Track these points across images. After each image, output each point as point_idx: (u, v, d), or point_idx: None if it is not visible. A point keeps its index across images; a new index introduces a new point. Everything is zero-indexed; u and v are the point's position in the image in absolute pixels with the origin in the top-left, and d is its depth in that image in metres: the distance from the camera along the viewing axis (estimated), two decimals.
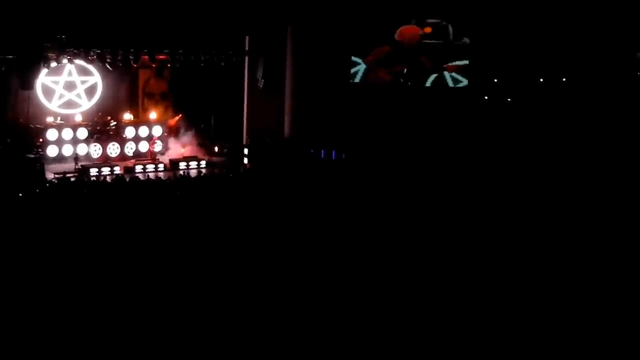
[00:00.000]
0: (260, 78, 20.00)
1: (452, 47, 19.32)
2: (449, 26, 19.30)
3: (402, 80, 19.51)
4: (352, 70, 19.83)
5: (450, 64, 19.23)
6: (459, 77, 19.57)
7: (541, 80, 18.97)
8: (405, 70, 19.46)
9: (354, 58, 19.78)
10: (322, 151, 19.12)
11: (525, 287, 9.01)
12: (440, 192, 14.41)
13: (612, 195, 13.90)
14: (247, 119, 20.59)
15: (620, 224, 11.83)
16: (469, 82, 19.46)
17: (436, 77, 19.55)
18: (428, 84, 19.63)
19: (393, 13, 19.10)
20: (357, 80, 19.81)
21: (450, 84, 19.60)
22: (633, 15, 17.69)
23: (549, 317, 8.31)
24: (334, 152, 19.05)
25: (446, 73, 19.56)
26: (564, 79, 18.93)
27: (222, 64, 19.58)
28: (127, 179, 16.60)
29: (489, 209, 12.98)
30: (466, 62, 19.45)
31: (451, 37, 19.32)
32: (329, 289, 8.97)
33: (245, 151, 19.84)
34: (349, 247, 10.72)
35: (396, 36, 19.43)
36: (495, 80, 19.31)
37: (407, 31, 19.35)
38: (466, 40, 19.27)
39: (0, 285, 8.94)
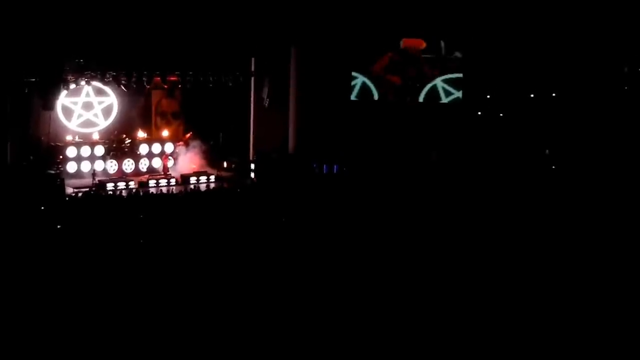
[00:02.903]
0: (265, 97, 20.38)
1: (444, 61, 19.86)
2: (441, 41, 19.82)
3: (410, 83, 19.97)
4: (352, 83, 20.54)
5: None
6: (451, 89, 20.02)
7: (532, 95, 19.26)
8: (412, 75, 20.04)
9: (353, 73, 20.38)
10: (325, 165, 19.50)
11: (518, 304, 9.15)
12: (438, 203, 14.65)
13: (604, 208, 14.03)
14: (253, 135, 20.96)
15: (609, 237, 11.93)
16: (463, 95, 19.75)
17: (429, 90, 20.09)
18: (421, 98, 20.15)
19: (390, 30, 19.52)
20: (354, 92, 20.30)
21: (443, 95, 20.00)
22: (620, 30, 17.90)
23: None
24: (335, 167, 19.46)
25: (439, 84, 20.02)
26: (553, 94, 19.26)
27: (230, 84, 20.03)
28: (141, 193, 17.01)
29: (488, 222, 13.19)
30: (460, 75, 19.87)
31: (443, 51, 19.79)
32: (331, 298, 9.12)
33: (252, 166, 20.13)
34: (349, 255, 10.94)
35: (401, 44, 19.80)
36: (488, 96, 19.60)
37: (412, 41, 19.81)
38: (457, 54, 19.69)
39: (24, 289, 9.31)
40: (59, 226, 12.82)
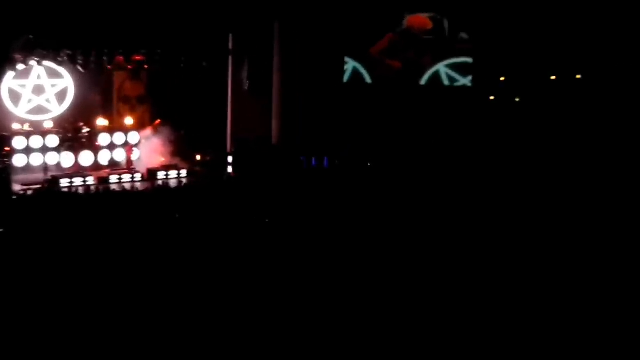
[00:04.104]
0: (245, 79, 20.07)
1: (448, 44, 19.67)
2: (444, 20, 19.67)
3: (412, 68, 19.95)
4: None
5: None
6: (456, 76, 19.81)
7: (553, 77, 19.06)
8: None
9: (346, 58, 20.19)
10: (313, 158, 19.30)
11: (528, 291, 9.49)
12: (444, 206, 14.47)
13: (627, 204, 14.03)
14: (231, 124, 20.58)
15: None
16: (473, 81, 19.71)
17: (431, 77, 19.95)
18: (423, 81, 19.92)
19: (388, 7, 19.48)
20: (345, 79, 20.11)
21: (446, 82, 19.84)
22: None
23: (548, 318, 8.75)
24: (325, 159, 19.26)
25: (442, 70, 19.87)
26: (578, 76, 19.02)
27: (204, 64, 19.58)
28: (102, 190, 16.66)
29: (495, 222, 13.09)
30: (466, 59, 19.70)
31: (447, 32, 19.69)
32: (319, 312, 9.07)
33: (230, 159, 19.82)
34: (340, 261, 10.77)
35: (405, 23, 19.74)
36: (502, 78, 19.51)
37: (417, 20, 19.73)
38: (464, 35, 19.63)
39: None
40: (1, 230, 12.51)
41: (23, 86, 18.89)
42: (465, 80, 19.77)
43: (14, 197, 15.79)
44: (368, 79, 20.10)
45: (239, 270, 10.34)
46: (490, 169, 17.33)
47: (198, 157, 20.20)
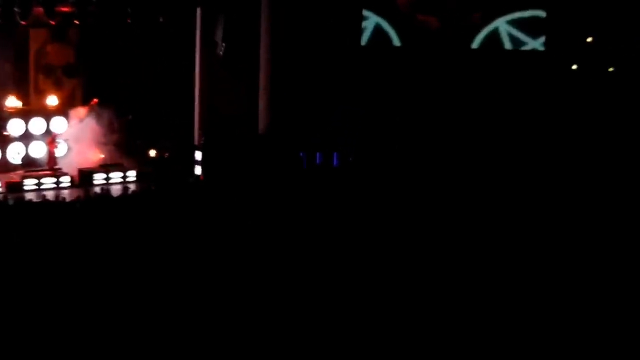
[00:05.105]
0: (220, 42, 19.48)
1: None
2: None
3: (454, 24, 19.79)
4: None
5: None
6: (522, 37, 19.46)
7: None
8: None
9: (364, 12, 19.83)
10: (318, 154, 18.98)
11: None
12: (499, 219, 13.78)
13: None
14: (200, 106, 19.85)
15: None
16: (546, 43, 19.32)
17: (487, 37, 19.85)
18: (476, 44, 19.70)
19: None
20: (364, 41, 19.90)
21: (508, 45, 19.60)
22: None
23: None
24: (335, 155, 19.02)
25: (502, 28, 19.82)
26: None
27: (160, 19, 19.00)
28: (12, 202, 16.54)
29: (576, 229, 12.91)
30: (540, 13, 19.27)
31: None
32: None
33: (198, 155, 19.17)
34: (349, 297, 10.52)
35: None
36: (589, 39, 19.25)
37: None
38: None
39: None
40: None
41: None
42: (535, 43, 19.59)
43: None
44: (396, 41, 19.89)
45: (212, 313, 10.13)
46: (573, 165, 17.02)
47: (152, 153, 19.71)
